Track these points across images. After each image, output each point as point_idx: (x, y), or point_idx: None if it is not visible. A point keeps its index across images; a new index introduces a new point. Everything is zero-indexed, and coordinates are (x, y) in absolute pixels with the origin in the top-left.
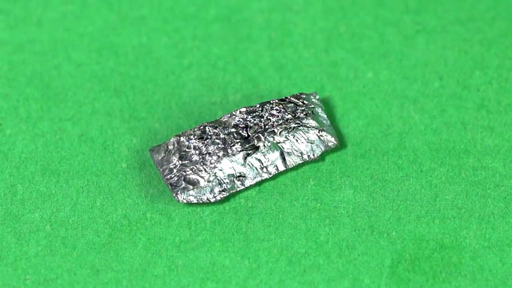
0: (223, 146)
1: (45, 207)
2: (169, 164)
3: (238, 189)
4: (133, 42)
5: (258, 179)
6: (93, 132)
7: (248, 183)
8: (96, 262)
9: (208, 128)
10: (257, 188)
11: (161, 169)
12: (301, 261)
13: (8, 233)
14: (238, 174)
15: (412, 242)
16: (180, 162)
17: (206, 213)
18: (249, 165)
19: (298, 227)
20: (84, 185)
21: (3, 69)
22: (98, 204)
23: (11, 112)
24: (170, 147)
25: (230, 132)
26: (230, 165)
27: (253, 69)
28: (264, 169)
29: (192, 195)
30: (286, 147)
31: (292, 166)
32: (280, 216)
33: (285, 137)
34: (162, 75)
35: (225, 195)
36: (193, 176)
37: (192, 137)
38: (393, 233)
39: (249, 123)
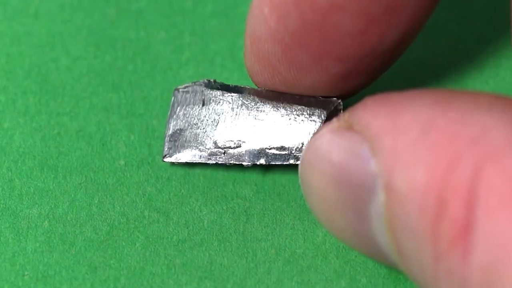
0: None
1: (43, 203)
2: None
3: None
4: (130, 36)
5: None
6: (91, 128)
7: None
8: (94, 259)
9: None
10: (254, 188)
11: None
12: (299, 261)
13: (6, 229)
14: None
15: None
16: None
17: (204, 213)
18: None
19: (296, 227)
20: (82, 181)
21: (0, 62)
22: (96, 201)
23: (8, 105)
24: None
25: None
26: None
27: None
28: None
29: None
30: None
31: None
32: (278, 216)
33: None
34: (159, 70)
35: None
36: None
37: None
38: None
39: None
